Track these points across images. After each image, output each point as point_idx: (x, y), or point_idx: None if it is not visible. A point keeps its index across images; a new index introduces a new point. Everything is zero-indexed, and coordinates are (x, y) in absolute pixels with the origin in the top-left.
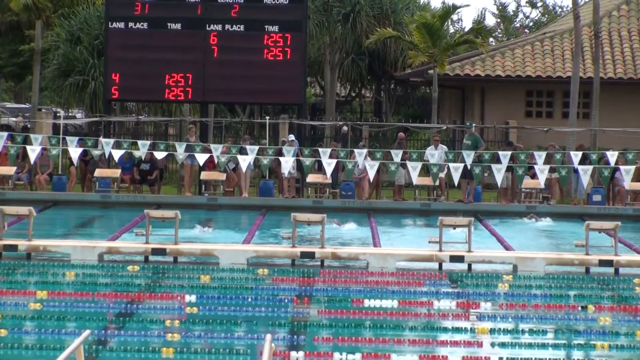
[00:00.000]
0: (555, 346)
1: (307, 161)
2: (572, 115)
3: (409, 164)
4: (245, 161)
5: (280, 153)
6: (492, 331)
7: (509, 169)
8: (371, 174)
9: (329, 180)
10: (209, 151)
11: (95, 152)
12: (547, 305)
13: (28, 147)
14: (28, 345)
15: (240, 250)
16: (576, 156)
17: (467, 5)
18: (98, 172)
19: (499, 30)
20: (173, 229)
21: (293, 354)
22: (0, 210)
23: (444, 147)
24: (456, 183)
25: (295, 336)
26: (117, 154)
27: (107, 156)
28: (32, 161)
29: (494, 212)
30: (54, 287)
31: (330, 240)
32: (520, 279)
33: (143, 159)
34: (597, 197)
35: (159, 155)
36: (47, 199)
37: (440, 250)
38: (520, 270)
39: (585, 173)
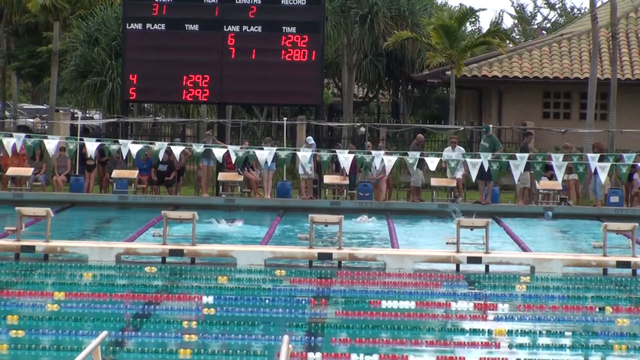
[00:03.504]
0: (573, 347)
1: (325, 157)
2: (589, 117)
3: (427, 158)
4: (262, 157)
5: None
6: (509, 332)
7: (528, 168)
8: (389, 167)
9: (347, 181)
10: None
11: (113, 147)
12: (564, 307)
13: (45, 142)
14: (45, 346)
15: (257, 251)
16: (594, 159)
17: (484, 9)
18: (115, 173)
19: (516, 31)
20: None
21: (310, 355)
22: (18, 211)
23: (462, 148)
24: (474, 179)
25: (312, 337)
26: (134, 149)
27: (124, 156)
28: (50, 153)
29: (512, 213)
30: (72, 288)
31: (348, 241)
32: (538, 280)
33: (160, 159)
34: (614, 199)
35: (176, 150)
36: (65, 200)
37: (458, 251)
38: (537, 271)
39: (603, 170)
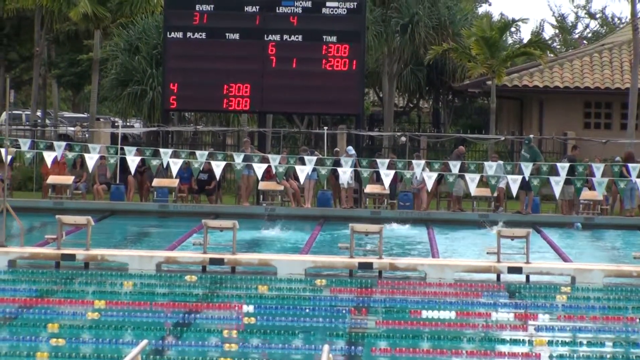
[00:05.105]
0: (613, 358)
1: (365, 172)
2: (630, 127)
3: (467, 175)
4: (303, 172)
5: (336, 164)
6: (550, 343)
7: (570, 182)
8: (429, 184)
9: (387, 191)
10: (267, 161)
11: (153, 163)
12: (605, 317)
13: (86, 156)
14: (86, 354)
15: (298, 260)
16: (634, 169)
17: (527, 20)
18: (156, 182)
19: (557, 40)
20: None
21: None
22: (59, 220)
23: (501, 162)
24: (514, 194)
25: (352, 347)
26: (175, 165)
27: (164, 166)
28: (89, 169)
29: (552, 223)
30: (112, 297)
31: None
32: (579, 291)
33: (201, 168)
34: None
35: (217, 167)
36: (105, 209)
37: (498, 261)
38: (578, 281)
39: None
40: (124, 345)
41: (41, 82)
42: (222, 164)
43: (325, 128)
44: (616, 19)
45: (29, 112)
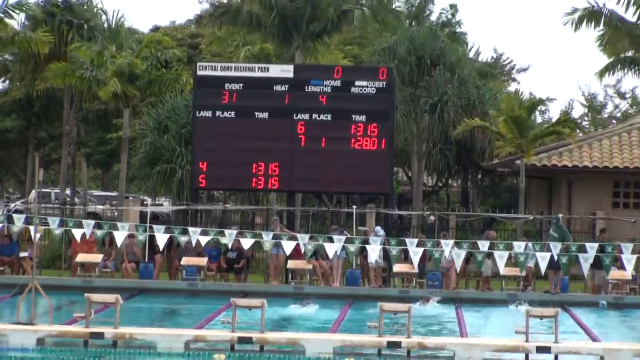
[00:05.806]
0: None
1: (394, 250)
2: None
3: (496, 253)
4: (331, 250)
5: (365, 244)
6: None
7: (599, 265)
8: (458, 263)
9: (416, 270)
10: (296, 239)
11: (182, 239)
12: None
13: (115, 234)
14: None
15: (326, 339)
16: None
17: (554, 99)
18: (185, 260)
19: (586, 119)
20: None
21: None
22: (87, 298)
23: (530, 243)
24: (543, 272)
25: None
26: (203, 241)
27: (193, 244)
28: (118, 247)
29: (582, 303)
30: None
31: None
32: None
33: (230, 247)
34: None
35: (246, 243)
36: (134, 287)
37: (527, 340)
38: None
39: None
40: None
41: (70, 160)
42: (251, 241)
43: (354, 207)
44: None
45: (58, 191)
